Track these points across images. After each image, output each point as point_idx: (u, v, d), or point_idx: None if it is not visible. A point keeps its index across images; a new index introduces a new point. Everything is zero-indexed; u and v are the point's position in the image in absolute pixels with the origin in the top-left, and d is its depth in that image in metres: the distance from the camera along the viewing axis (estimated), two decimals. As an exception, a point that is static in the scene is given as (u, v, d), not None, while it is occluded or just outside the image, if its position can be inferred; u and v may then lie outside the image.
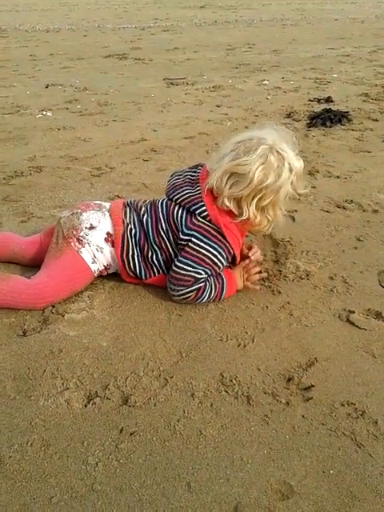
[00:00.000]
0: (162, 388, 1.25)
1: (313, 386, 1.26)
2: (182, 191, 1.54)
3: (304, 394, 1.24)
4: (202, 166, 1.58)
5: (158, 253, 1.57)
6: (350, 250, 1.90)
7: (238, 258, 1.60)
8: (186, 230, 1.51)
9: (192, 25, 10.72)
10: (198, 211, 1.49)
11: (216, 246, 1.49)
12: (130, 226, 1.58)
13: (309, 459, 1.07)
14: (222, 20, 11.66)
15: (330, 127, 3.43)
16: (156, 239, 1.56)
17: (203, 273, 1.51)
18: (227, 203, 1.46)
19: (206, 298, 1.53)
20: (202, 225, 1.49)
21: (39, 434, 1.12)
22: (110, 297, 1.61)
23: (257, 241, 1.93)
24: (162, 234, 1.55)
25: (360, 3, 17.38)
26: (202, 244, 1.49)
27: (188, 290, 1.50)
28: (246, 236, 1.87)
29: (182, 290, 1.50)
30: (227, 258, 1.54)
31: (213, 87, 4.71)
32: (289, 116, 3.72)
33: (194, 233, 1.49)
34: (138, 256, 1.58)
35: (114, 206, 1.65)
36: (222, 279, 1.55)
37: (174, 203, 1.56)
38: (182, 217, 1.53)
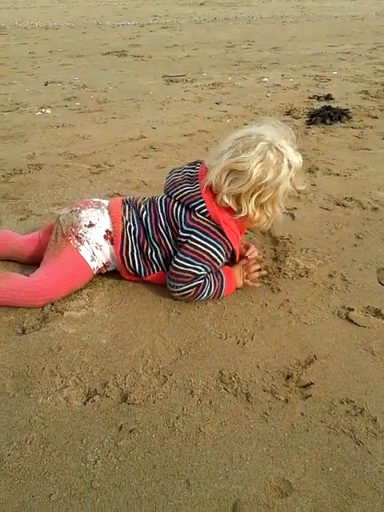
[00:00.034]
0: (161, 385, 1.25)
1: (312, 383, 1.26)
2: (181, 188, 1.54)
3: (303, 392, 1.24)
4: (200, 163, 1.58)
5: (158, 250, 1.57)
6: (350, 248, 1.90)
7: (238, 255, 1.60)
8: (185, 227, 1.51)
9: (191, 22, 10.69)
10: (197, 208, 1.49)
11: (215, 243, 1.49)
12: (129, 224, 1.58)
13: (308, 456, 1.07)
14: (221, 17, 11.62)
15: (330, 125, 3.43)
16: (155, 236, 1.56)
17: (203, 269, 1.50)
18: (226, 200, 1.46)
19: (205, 294, 1.53)
20: (201, 222, 1.49)
21: (38, 431, 1.12)
22: (109, 294, 1.61)
23: (256, 238, 1.93)
24: (162, 231, 1.55)
25: (360, 1, 17.32)
26: (201, 241, 1.49)
27: (188, 286, 1.50)
28: (246, 233, 1.87)
29: (181, 287, 1.50)
30: (226, 254, 1.54)
31: (212, 84, 4.69)
32: (288, 113, 3.71)
33: (193, 230, 1.49)
34: (137, 253, 1.58)
35: (113, 204, 1.65)
36: (222, 277, 1.55)
37: (173, 200, 1.55)
38: (181, 214, 1.52)
